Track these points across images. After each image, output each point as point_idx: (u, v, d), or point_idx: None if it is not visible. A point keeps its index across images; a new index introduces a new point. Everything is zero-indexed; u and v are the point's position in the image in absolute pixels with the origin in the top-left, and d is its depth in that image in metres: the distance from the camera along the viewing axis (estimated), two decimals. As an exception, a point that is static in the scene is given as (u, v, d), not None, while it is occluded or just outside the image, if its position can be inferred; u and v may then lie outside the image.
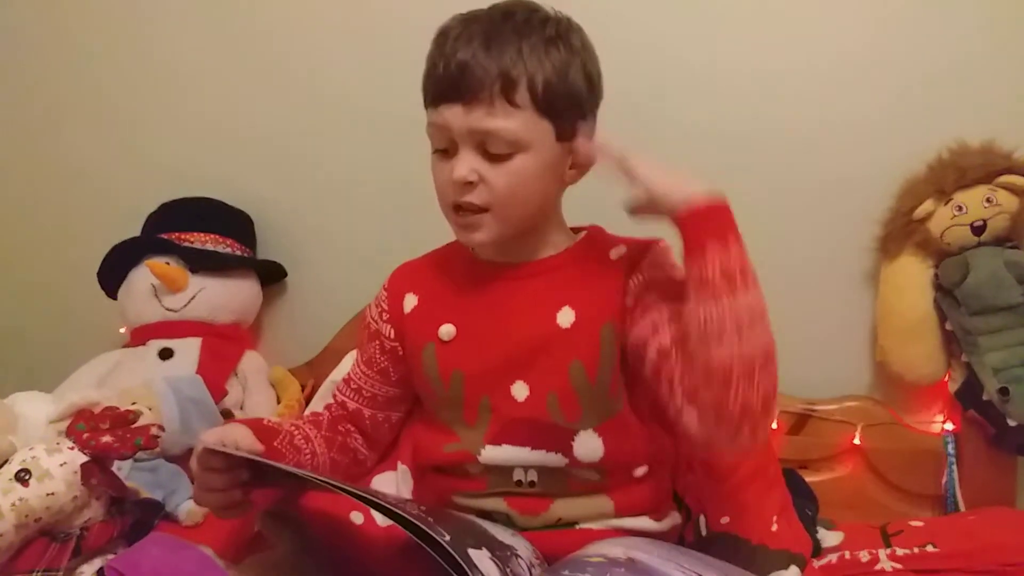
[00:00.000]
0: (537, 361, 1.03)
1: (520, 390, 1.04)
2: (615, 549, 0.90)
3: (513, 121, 0.96)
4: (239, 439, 0.95)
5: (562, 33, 0.99)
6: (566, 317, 1.02)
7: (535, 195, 1.02)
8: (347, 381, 1.19)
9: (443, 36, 0.99)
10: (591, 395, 1.03)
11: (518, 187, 0.99)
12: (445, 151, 1.00)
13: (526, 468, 1.04)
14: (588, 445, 1.03)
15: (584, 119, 1.03)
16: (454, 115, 0.96)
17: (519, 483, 1.04)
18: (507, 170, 0.97)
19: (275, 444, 1.03)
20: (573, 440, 1.02)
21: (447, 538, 0.75)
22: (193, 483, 0.95)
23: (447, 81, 0.96)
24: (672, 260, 1.04)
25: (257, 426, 1.02)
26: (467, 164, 0.97)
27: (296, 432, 1.08)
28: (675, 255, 1.04)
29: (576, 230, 1.13)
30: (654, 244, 1.07)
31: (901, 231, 1.44)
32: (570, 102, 1.00)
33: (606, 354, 1.02)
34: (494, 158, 0.97)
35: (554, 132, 0.99)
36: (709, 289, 0.88)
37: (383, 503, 0.79)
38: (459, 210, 1.01)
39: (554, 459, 1.03)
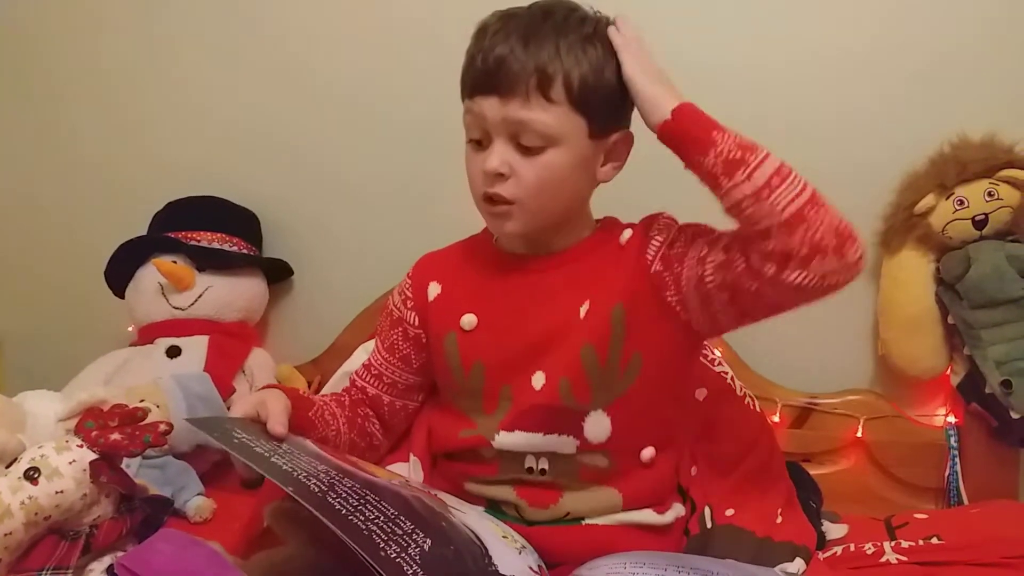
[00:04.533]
0: (553, 350, 1.05)
1: (539, 379, 1.05)
2: None
3: (548, 114, 0.98)
4: (271, 405, 0.96)
5: (600, 32, 1.01)
6: (584, 309, 1.04)
7: (565, 191, 1.04)
8: (367, 367, 1.20)
9: (482, 32, 1.01)
10: (600, 375, 1.04)
11: (548, 181, 1.00)
12: (479, 142, 1.02)
13: (537, 455, 1.05)
14: (598, 425, 1.04)
15: (619, 117, 1.05)
16: (490, 106, 0.98)
17: (530, 470, 1.06)
18: (538, 164, 0.99)
19: (310, 415, 1.05)
20: (584, 421, 1.04)
21: None
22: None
23: (484, 74, 0.98)
24: (676, 223, 1.07)
25: (294, 395, 1.03)
26: (499, 156, 0.99)
27: (325, 408, 1.10)
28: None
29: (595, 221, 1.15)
30: (657, 215, 1.09)
31: (902, 225, 1.44)
32: (605, 100, 1.01)
33: (616, 335, 1.03)
34: (526, 151, 0.99)
35: (587, 129, 1.01)
36: (725, 176, 0.93)
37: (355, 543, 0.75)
38: (490, 200, 1.02)
39: (565, 442, 1.04)
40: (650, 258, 1.04)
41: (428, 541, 0.78)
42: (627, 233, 1.09)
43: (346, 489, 0.81)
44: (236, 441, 0.88)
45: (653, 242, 1.05)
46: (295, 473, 0.82)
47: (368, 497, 0.81)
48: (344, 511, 0.77)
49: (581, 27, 1.00)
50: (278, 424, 0.94)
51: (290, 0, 1.75)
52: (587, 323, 1.04)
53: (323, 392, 1.55)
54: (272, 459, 0.85)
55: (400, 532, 0.77)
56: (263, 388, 1.05)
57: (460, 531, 0.86)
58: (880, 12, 1.49)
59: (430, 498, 0.92)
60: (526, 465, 1.06)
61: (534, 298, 1.07)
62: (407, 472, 1.19)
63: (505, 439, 1.05)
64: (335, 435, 1.09)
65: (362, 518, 0.77)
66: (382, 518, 0.78)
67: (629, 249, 1.07)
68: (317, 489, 0.80)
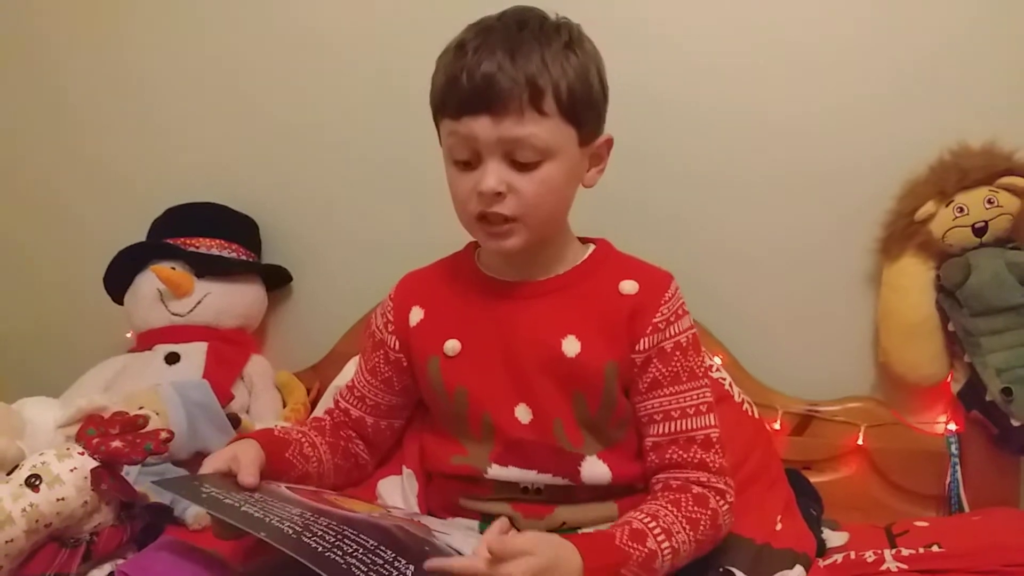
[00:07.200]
0: (540, 386, 1.04)
1: (523, 413, 1.05)
2: None
3: (541, 128, 0.96)
4: (242, 457, 0.96)
5: (575, 38, 1.00)
6: (571, 347, 1.04)
7: (561, 202, 1.04)
8: (350, 388, 1.19)
9: (460, 48, 0.97)
10: (591, 425, 1.05)
11: (547, 195, 0.99)
12: (467, 163, 0.99)
13: (533, 482, 1.06)
14: (595, 470, 1.05)
15: (602, 122, 1.04)
16: (482, 126, 0.95)
17: (525, 490, 1.06)
18: (535, 179, 0.97)
19: (287, 455, 1.05)
20: (580, 465, 1.04)
21: None
22: None
23: (473, 92, 0.95)
24: (681, 315, 1.07)
25: (268, 439, 1.04)
26: (496, 175, 0.96)
27: (304, 440, 1.09)
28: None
29: (584, 241, 1.14)
30: (664, 289, 1.07)
31: (902, 232, 1.44)
32: (590, 106, 1.01)
33: (609, 390, 1.04)
34: (522, 167, 0.97)
35: (577, 138, 1.00)
36: None
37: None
38: (486, 220, 1.00)
39: (561, 482, 1.05)
40: (640, 346, 1.04)
41: (410, 568, 0.79)
42: (631, 285, 1.07)
43: (321, 527, 0.83)
44: (205, 496, 0.88)
45: (650, 336, 1.04)
46: (267, 519, 0.83)
47: (346, 532, 0.82)
48: (321, 548, 0.78)
49: (559, 35, 0.99)
50: (248, 476, 0.93)
51: (291, 8, 1.75)
52: (579, 370, 1.03)
53: (318, 406, 1.56)
54: (243, 508, 0.86)
55: (381, 561, 0.78)
56: (236, 439, 1.05)
57: (444, 554, 0.87)
58: (880, 16, 1.48)
59: (412, 524, 0.93)
60: (521, 487, 1.06)
61: (519, 328, 1.06)
62: (401, 485, 1.19)
63: (499, 472, 1.05)
64: (316, 466, 1.09)
65: (340, 553, 0.78)
66: (361, 551, 0.80)
67: (629, 306, 1.05)
68: (291, 531, 0.81)
